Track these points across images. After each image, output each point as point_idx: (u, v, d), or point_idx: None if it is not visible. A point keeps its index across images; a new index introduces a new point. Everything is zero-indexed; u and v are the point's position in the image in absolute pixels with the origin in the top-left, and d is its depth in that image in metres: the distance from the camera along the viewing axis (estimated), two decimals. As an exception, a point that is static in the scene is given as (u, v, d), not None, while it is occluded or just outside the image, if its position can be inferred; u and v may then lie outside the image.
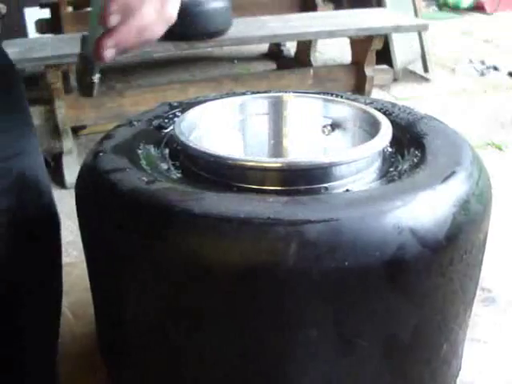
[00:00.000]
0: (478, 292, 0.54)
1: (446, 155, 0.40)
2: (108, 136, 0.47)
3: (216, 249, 0.32)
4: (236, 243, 0.32)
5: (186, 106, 0.48)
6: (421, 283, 0.33)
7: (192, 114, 0.46)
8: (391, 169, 0.41)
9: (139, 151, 0.43)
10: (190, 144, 0.40)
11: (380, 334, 0.34)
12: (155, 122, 0.48)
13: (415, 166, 0.39)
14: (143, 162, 0.41)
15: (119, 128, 0.48)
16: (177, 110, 0.50)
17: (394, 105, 0.49)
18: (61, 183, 2.66)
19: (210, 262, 0.32)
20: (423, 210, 0.33)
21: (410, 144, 0.43)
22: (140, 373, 0.43)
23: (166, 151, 0.44)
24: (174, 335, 0.37)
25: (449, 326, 0.37)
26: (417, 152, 0.42)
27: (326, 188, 0.37)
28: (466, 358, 0.47)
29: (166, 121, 0.48)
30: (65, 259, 2.23)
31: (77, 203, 0.41)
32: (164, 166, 0.42)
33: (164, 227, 0.34)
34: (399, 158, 0.42)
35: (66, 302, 0.56)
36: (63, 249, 2.30)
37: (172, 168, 0.42)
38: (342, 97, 0.49)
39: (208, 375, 0.37)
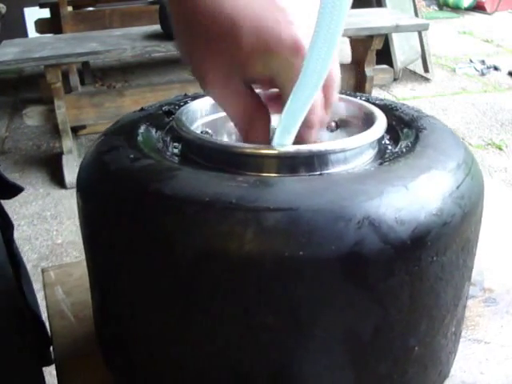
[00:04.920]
0: (480, 292, 0.54)
1: (435, 151, 0.39)
2: (117, 121, 0.47)
3: (179, 230, 0.33)
4: (198, 225, 0.32)
5: (201, 97, 0.48)
6: (381, 281, 0.32)
7: (199, 102, 0.46)
8: (380, 162, 0.40)
9: (140, 132, 0.43)
10: (183, 128, 0.41)
11: (339, 328, 0.33)
12: (165, 108, 0.48)
13: (396, 161, 0.39)
14: (140, 142, 0.41)
15: (130, 113, 0.48)
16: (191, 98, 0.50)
17: (403, 104, 0.50)
18: (61, 183, 2.66)
19: (174, 244, 0.33)
20: (388, 206, 0.32)
21: (406, 139, 0.43)
22: (128, 361, 0.43)
23: (169, 134, 0.44)
24: (144, 318, 0.37)
25: (420, 329, 0.36)
26: (409, 144, 0.41)
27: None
28: (467, 359, 0.47)
29: (177, 108, 0.47)
30: (65, 259, 2.23)
31: (77, 186, 0.41)
32: (159, 146, 0.42)
33: (135, 205, 0.34)
34: (392, 151, 0.42)
35: (67, 302, 0.56)
36: (63, 249, 2.31)
37: (169, 148, 0.42)
38: (350, 95, 0.48)
39: (158, 361, 0.38)
